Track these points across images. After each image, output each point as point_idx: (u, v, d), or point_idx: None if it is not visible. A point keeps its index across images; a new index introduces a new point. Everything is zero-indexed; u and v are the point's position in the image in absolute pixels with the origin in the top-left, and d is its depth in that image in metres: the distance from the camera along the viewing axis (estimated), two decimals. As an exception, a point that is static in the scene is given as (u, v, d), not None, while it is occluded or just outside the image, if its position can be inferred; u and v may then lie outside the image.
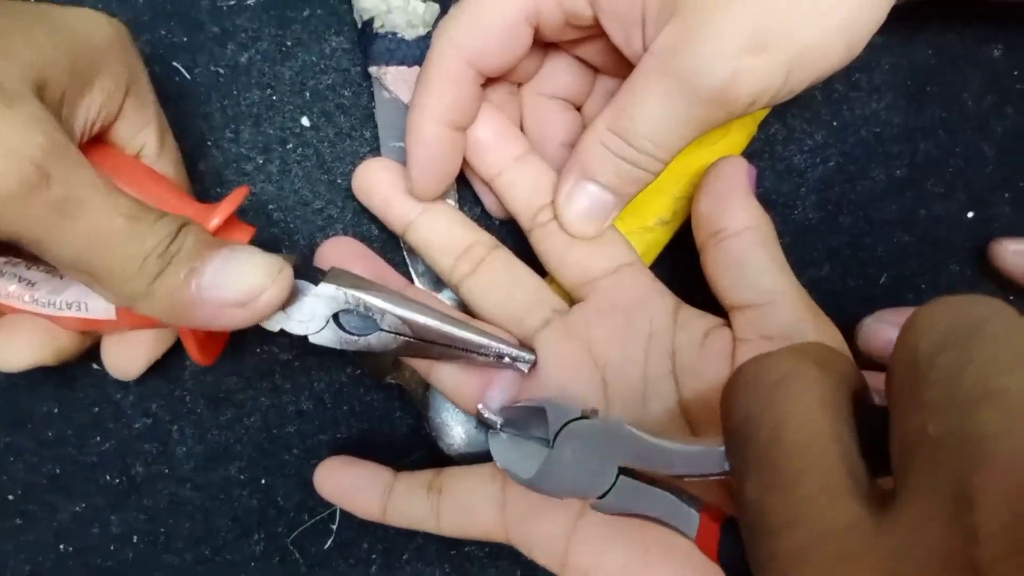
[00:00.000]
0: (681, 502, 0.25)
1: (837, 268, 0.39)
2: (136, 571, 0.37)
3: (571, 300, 0.34)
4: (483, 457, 0.34)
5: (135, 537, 0.37)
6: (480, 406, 0.31)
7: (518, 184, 0.34)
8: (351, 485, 0.34)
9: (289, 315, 0.30)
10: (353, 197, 0.36)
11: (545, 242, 0.33)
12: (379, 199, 0.35)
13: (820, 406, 0.19)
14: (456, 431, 0.35)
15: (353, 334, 0.31)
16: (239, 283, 0.26)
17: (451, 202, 0.36)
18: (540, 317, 0.33)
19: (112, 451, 0.37)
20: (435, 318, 0.31)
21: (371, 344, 0.31)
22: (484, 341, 0.31)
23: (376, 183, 0.35)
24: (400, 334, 0.31)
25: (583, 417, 0.28)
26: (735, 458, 0.20)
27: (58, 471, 0.37)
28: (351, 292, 0.30)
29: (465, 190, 0.38)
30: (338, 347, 0.31)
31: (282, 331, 0.31)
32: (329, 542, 0.38)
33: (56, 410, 0.37)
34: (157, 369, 0.33)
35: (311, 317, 0.30)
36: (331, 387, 0.38)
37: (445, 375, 0.33)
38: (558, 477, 0.28)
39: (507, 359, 0.31)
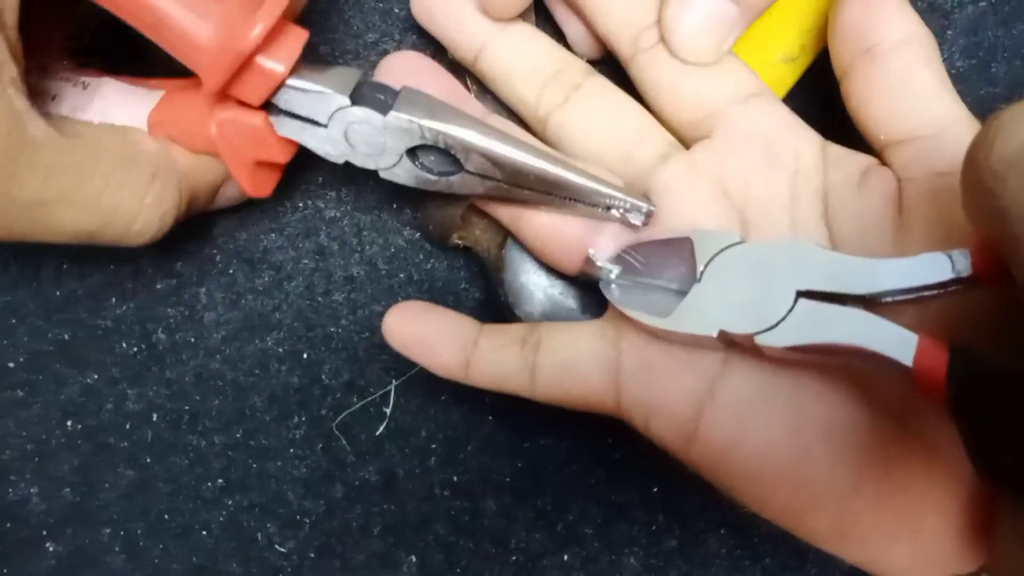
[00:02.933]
0: (889, 321, 0.20)
1: (991, 123, 0.33)
2: (155, 453, 0.32)
3: (687, 146, 0.28)
4: (569, 328, 0.29)
5: (155, 415, 0.32)
6: (591, 252, 0.26)
7: (613, 1, 0.28)
8: (430, 332, 0.28)
9: (354, 147, 0.26)
10: (412, 27, 0.31)
11: (651, 71, 0.28)
12: (444, 20, 0.29)
13: None
14: (537, 296, 0.30)
15: (432, 172, 0.26)
16: None
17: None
18: (656, 151, 0.27)
19: (130, 315, 0.32)
20: (533, 155, 0.25)
21: (453, 185, 0.26)
22: (595, 186, 0.25)
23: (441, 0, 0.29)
24: (487, 176, 0.26)
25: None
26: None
27: (67, 337, 0.32)
28: (429, 124, 0.25)
29: (544, 24, 0.32)
30: (413, 185, 0.27)
31: (347, 163, 0.26)
32: (381, 428, 0.33)
33: (66, 266, 0.32)
34: (182, 222, 0.28)
35: (380, 151, 0.26)
36: (385, 250, 0.33)
37: (539, 223, 0.27)
38: (709, 311, 0.23)
39: (619, 210, 0.26)
